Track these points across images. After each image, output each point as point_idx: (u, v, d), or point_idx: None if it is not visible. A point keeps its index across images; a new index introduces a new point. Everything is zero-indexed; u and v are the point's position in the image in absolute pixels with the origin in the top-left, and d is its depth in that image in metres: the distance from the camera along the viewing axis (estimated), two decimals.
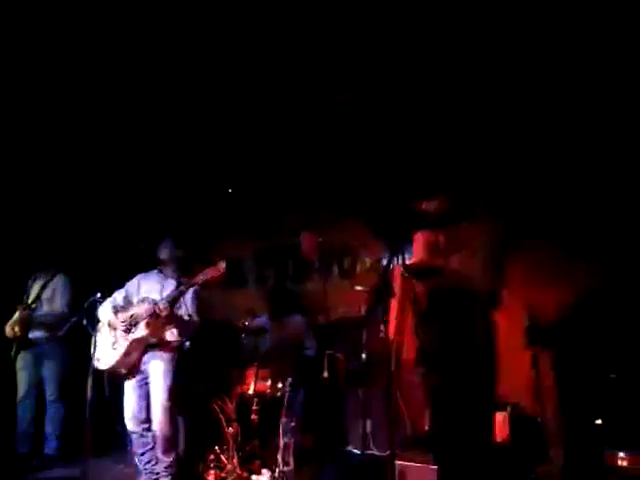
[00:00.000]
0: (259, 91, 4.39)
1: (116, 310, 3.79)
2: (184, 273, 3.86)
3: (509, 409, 3.81)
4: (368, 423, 4.01)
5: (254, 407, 4.18)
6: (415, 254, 2.94)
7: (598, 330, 3.73)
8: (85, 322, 3.59)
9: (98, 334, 3.57)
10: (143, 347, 3.68)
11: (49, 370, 4.48)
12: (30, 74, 4.04)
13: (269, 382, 4.26)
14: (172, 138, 5.06)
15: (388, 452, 3.65)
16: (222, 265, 3.52)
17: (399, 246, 3.11)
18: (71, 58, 3.90)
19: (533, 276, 4.09)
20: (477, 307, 2.66)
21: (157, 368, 3.69)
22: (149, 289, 3.83)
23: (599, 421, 3.42)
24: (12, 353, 4.45)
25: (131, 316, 3.68)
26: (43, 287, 4.55)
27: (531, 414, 3.87)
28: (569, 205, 4.07)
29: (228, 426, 4.04)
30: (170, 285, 3.79)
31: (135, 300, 3.82)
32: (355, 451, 4.38)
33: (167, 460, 3.66)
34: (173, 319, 3.64)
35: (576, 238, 3.97)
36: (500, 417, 3.69)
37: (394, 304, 2.71)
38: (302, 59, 4.02)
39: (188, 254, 4.02)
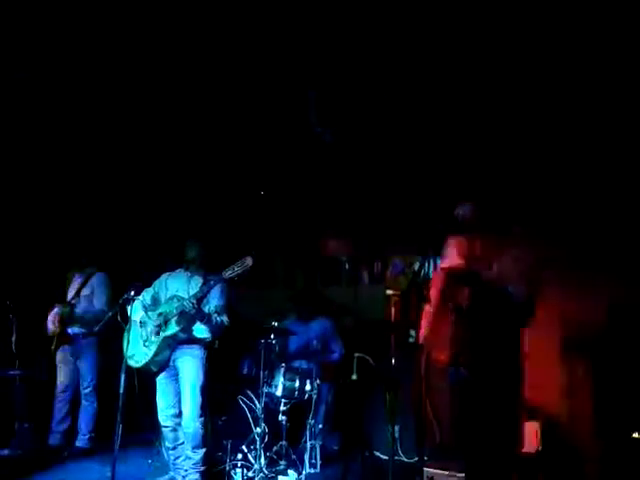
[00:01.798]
0: (288, 96, 4.41)
1: (146, 309, 3.85)
2: (210, 270, 3.90)
3: (542, 418, 3.73)
4: (396, 428, 3.97)
5: (282, 408, 4.20)
6: (449, 258, 2.91)
7: (637, 341, 3.62)
8: (119, 319, 3.65)
9: (130, 332, 3.62)
10: (174, 345, 3.73)
11: (85, 365, 4.58)
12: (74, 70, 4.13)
13: (297, 383, 4.27)
14: (205, 141, 5.13)
15: (416, 459, 3.63)
16: (249, 259, 3.53)
17: (431, 251, 3.08)
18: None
19: (570, 287, 3.99)
20: (514, 316, 2.61)
21: (188, 365, 3.74)
22: (176, 287, 3.88)
23: (636, 434, 3.32)
24: (52, 347, 4.57)
25: (160, 314, 3.74)
26: (82, 285, 4.66)
27: (565, 425, 3.79)
28: (607, 216, 3.97)
29: (255, 426, 4.05)
30: (196, 282, 3.84)
31: (163, 298, 3.88)
32: (382, 456, 4.35)
33: (196, 457, 3.69)
34: (201, 315, 3.68)
35: (614, 248, 3.86)
36: (533, 426, 3.62)
37: (427, 309, 2.68)
38: (331, 67, 4.03)
39: (213, 252, 4.06)
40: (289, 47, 3.88)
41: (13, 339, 4.45)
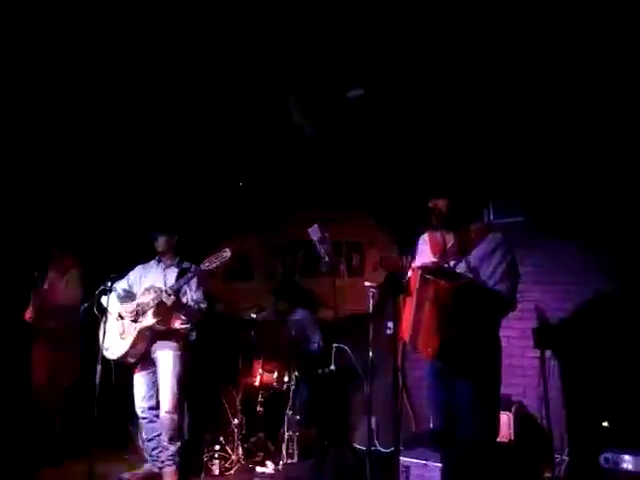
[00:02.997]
0: (269, 86, 4.39)
1: (122, 300, 3.83)
2: (185, 258, 3.90)
3: (514, 409, 3.81)
4: (373, 419, 4.02)
5: (259, 399, 4.22)
6: (422, 255, 2.93)
7: (607, 332, 3.72)
8: (95, 310, 3.61)
9: (107, 323, 3.59)
10: (151, 336, 3.72)
11: (62, 358, 4.51)
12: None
13: (275, 375, 4.29)
14: (184, 133, 5.08)
15: (392, 449, 3.68)
16: (227, 251, 3.53)
17: (409, 243, 3.10)
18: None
19: (544, 278, 4.08)
20: (495, 309, 2.66)
21: (166, 356, 3.72)
22: (151, 278, 3.87)
23: (606, 423, 3.42)
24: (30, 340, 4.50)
25: (137, 305, 3.72)
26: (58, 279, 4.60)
27: (537, 414, 3.88)
28: (583, 207, 4.05)
29: (233, 417, 4.07)
30: (172, 273, 3.83)
31: (138, 290, 3.86)
32: (359, 447, 4.40)
33: (173, 448, 3.68)
34: (179, 306, 3.67)
35: (589, 240, 3.95)
36: (505, 417, 3.69)
37: (408, 302, 2.70)
38: (312, 53, 4.02)
39: (188, 241, 4.05)
40: (269, 39, 3.86)
41: None
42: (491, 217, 4.42)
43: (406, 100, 4.43)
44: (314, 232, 3.63)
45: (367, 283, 3.54)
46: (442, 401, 2.77)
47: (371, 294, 3.42)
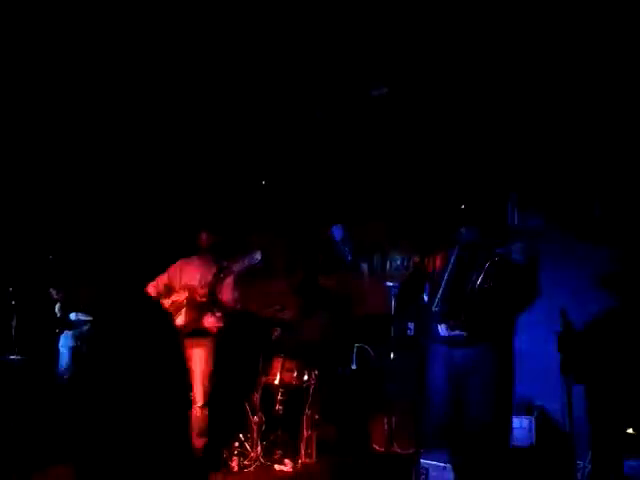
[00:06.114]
0: (293, 84, 4.40)
1: (159, 296, 3.88)
2: (223, 257, 3.95)
3: (536, 413, 3.77)
4: (393, 420, 4.01)
5: (279, 397, 4.23)
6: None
7: (632, 336, 3.66)
8: None
9: None
10: (183, 334, 3.76)
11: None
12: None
13: (295, 373, 4.30)
14: (209, 131, 5.12)
15: (411, 450, 3.66)
16: (258, 253, 3.56)
17: (431, 245, 3.13)
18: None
19: (569, 281, 4.03)
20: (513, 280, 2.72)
21: (198, 353, 3.77)
22: (190, 275, 3.91)
23: (631, 430, 3.36)
24: (57, 331, 4.64)
25: (172, 303, 3.76)
26: None
27: (559, 419, 3.83)
28: (608, 211, 4.01)
29: (253, 415, 4.09)
30: (210, 270, 3.86)
31: (177, 284, 3.91)
32: (378, 448, 4.38)
33: (200, 442, 3.73)
34: (212, 305, 3.71)
35: (615, 244, 3.90)
36: (526, 421, 3.66)
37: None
38: (336, 52, 4.02)
39: (226, 240, 4.11)
40: (290, 36, 3.86)
41: (13, 325, 4.46)
42: (516, 221, 4.40)
43: (431, 103, 4.41)
44: (336, 232, 3.63)
45: (389, 283, 3.54)
46: (449, 391, 2.76)
47: (393, 294, 3.43)
